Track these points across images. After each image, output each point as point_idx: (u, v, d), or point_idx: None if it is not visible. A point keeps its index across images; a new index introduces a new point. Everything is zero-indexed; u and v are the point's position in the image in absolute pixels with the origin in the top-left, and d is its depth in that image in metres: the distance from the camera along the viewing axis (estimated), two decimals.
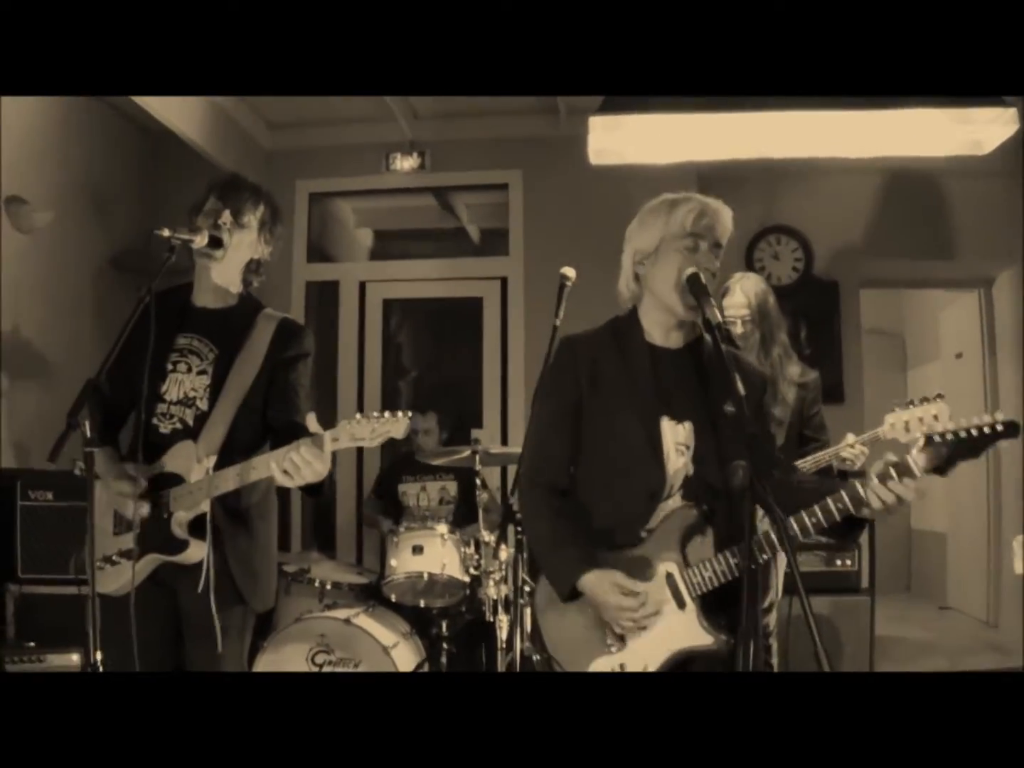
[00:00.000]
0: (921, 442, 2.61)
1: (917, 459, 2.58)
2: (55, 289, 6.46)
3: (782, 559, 4.64)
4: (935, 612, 9.23)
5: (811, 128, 5.06)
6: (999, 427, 2.53)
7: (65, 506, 5.28)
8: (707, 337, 2.87)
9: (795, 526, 2.66)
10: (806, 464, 4.33)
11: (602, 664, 2.85)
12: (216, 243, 3.35)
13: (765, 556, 2.68)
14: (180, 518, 3.21)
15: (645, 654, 2.81)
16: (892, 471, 2.58)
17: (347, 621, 5.01)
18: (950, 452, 2.56)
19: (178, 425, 3.35)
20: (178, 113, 6.48)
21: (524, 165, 7.86)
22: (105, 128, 7.09)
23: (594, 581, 2.80)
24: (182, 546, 3.20)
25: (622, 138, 5.12)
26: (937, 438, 2.57)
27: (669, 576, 2.81)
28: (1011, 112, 4.67)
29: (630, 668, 2.82)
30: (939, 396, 3.87)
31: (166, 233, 3.20)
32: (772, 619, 4.50)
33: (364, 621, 5.08)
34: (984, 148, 5.10)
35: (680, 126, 4.98)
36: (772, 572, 4.30)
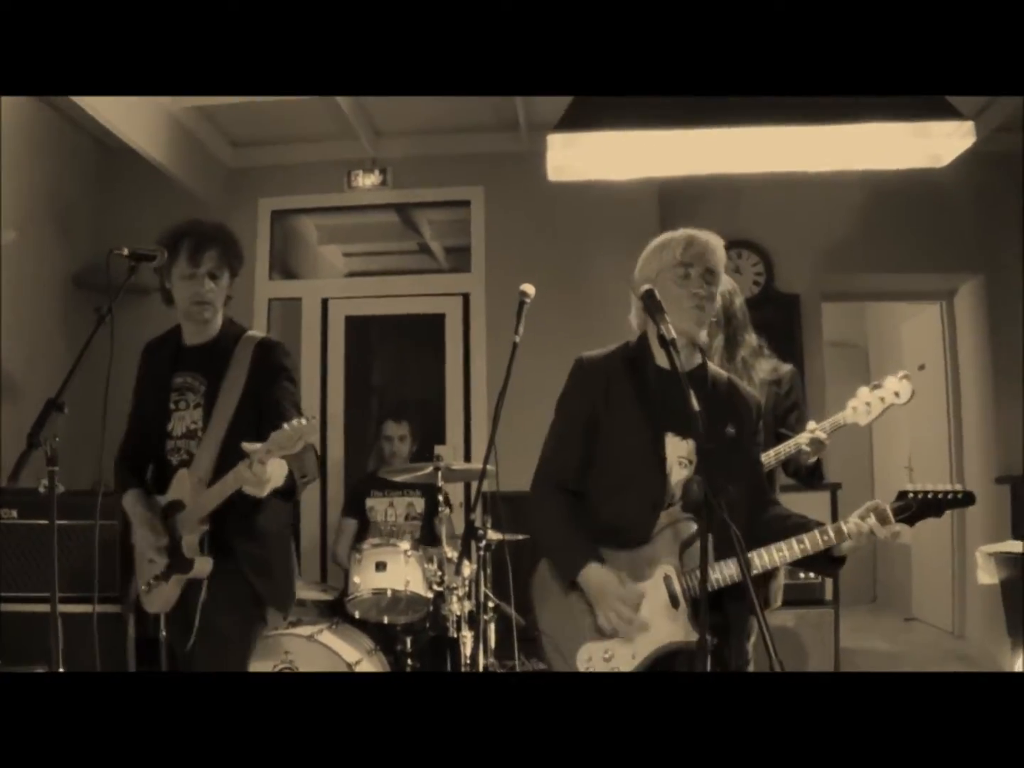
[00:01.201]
0: (895, 497, 3.04)
1: (892, 508, 3.00)
2: (17, 306, 6.41)
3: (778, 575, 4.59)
4: (900, 623, 9.28)
5: (770, 143, 5.06)
6: (959, 496, 3.02)
7: (29, 524, 5.27)
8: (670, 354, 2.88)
9: (785, 551, 3.03)
10: (769, 458, 4.15)
11: (592, 648, 3.09)
12: (204, 304, 3.61)
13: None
14: (188, 540, 3.43)
15: (635, 644, 3.05)
16: (872, 514, 3.00)
17: (311, 638, 4.98)
18: (918, 507, 3.01)
19: (185, 457, 3.58)
20: (140, 130, 6.46)
21: (486, 182, 7.86)
22: (67, 145, 7.07)
23: (596, 573, 3.07)
24: (189, 565, 3.41)
25: (581, 155, 5.12)
26: (910, 495, 3.01)
27: (667, 577, 3.06)
28: (968, 125, 4.71)
29: (619, 655, 3.06)
30: (904, 376, 3.89)
31: (125, 252, 3.25)
32: (751, 643, 4.34)
33: (328, 638, 5.06)
34: (942, 161, 5.13)
35: (639, 142, 4.98)
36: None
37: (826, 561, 3.09)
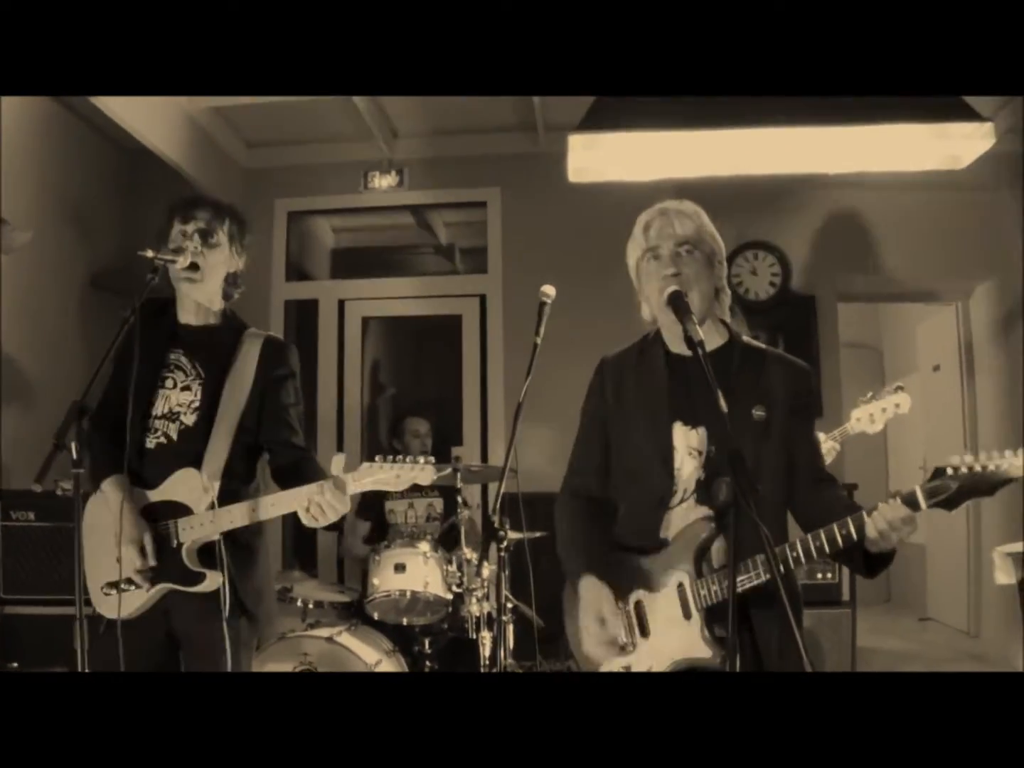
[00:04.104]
0: (929, 475, 2.56)
1: (924, 491, 2.53)
2: (35, 308, 6.45)
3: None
4: (915, 623, 9.26)
5: (789, 145, 5.08)
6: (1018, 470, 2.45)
7: (47, 527, 5.28)
8: (696, 351, 2.68)
9: (800, 549, 2.67)
10: None
11: (610, 665, 2.93)
12: (193, 267, 3.35)
13: (765, 576, 2.68)
14: (190, 550, 3.24)
15: (650, 660, 2.87)
16: (897, 500, 2.56)
17: (330, 639, 4.98)
18: (960, 487, 2.49)
19: (162, 439, 3.35)
20: (156, 131, 6.48)
21: (502, 183, 7.88)
22: (83, 147, 7.08)
23: (588, 587, 2.91)
24: (199, 578, 3.22)
25: (601, 156, 5.14)
26: (949, 471, 2.51)
27: (680, 586, 2.84)
28: (987, 127, 4.72)
29: (636, 671, 2.88)
30: (899, 388, 4.09)
31: (150, 254, 3.22)
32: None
33: (347, 639, 5.06)
34: (962, 162, 5.14)
35: (659, 144, 5.01)
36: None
37: (860, 560, 2.68)
